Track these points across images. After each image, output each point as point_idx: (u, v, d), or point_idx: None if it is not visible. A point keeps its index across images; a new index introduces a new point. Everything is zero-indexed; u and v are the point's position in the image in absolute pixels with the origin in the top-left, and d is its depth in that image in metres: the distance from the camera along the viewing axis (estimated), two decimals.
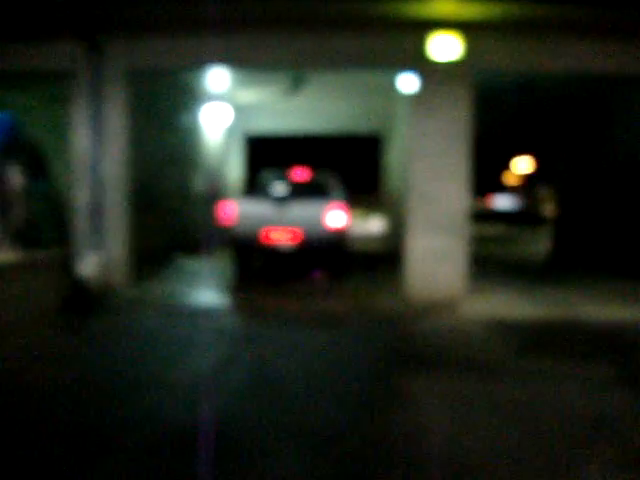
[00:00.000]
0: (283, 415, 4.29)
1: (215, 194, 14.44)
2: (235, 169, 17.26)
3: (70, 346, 6.08)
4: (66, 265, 7.14)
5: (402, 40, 8.13)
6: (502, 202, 32.34)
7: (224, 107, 14.56)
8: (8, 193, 6.13)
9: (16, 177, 6.18)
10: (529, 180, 37.55)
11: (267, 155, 23.93)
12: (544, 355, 5.87)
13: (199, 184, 13.89)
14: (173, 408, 4.41)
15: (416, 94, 8.33)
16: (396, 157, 14.01)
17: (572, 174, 14.52)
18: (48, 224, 6.84)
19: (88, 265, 8.46)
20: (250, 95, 13.91)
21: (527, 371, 5.35)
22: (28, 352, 5.79)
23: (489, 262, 12.90)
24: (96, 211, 8.62)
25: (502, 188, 39.71)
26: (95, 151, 8.55)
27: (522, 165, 35.35)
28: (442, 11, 7.65)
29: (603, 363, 5.59)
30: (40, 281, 6.65)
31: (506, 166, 37.42)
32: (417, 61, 8.14)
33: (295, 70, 10.49)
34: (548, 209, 27.04)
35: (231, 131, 16.31)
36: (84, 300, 7.68)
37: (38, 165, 6.56)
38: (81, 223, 8.72)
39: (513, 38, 8.04)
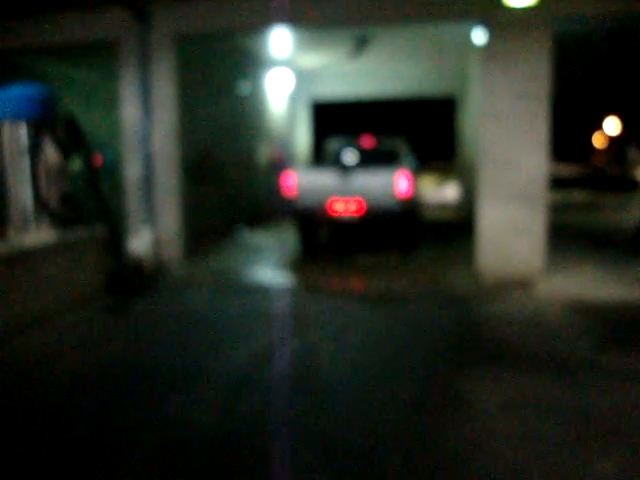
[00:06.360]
0: (320, 422, 3.76)
1: (281, 163, 13.94)
2: (302, 137, 16.68)
3: (110, 330, 5.76)
4: (111, 243, 6.82)
5: None
6: None
7: (287, 73, 13.98)
8: (44, 170, 5.80)
9: (53, 153, 5.83)
10: (617, 142, 35.25)
11: (336, 122, 23.23)
12: (635, 350, 5.00)
13: (263, 153, 13.43)
14: (202, 407, 3.96)
15: (488, 48, 7.46)
16: (470, 120, 13.11)
17: None
18: (88, 201, 6.52)
19: (140, 242, 8.16)
20: (314, 59, 13.29)
21: (614, 371, 4.52)
22: (67, 336, 5.51)
23: (571, 234, 11.82)
24: (147, 185, 8.29)
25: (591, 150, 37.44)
26: (144, 122, 8.19)
27: (609, 126, 33.15)
28: None
29: None
30: (83, 261, 6.35)
31: (596, 127, 35.11)
32: (489, 9, 7.25)
33: (358, 28, 9.77)
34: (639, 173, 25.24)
35: (296, 98, 15.71)
36: (133, 279, 7.38)
37: (77, 140, 6.21)
38: (133, 198, 8.43)
39: None
